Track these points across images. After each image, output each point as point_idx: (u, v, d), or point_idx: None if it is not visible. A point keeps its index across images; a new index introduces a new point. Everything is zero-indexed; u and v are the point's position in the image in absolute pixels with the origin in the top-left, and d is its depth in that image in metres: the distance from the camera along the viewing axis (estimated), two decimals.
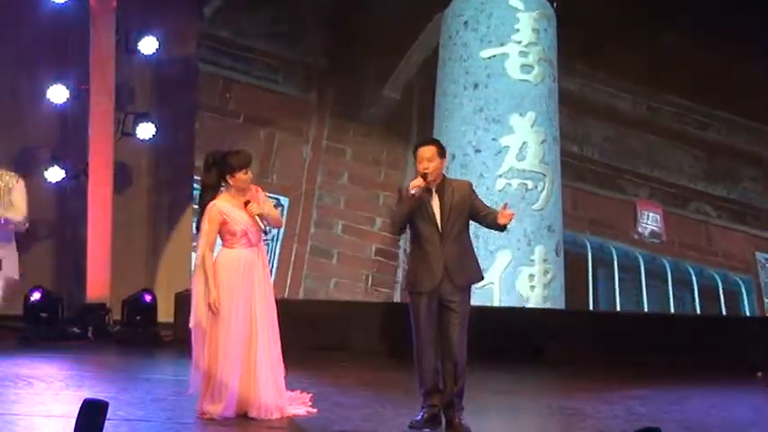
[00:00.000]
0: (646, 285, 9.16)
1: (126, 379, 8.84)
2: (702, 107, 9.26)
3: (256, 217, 7.17)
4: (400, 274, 9.16)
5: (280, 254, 9.48)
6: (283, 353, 7.39)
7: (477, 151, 9.34)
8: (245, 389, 7.24)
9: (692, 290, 9.03)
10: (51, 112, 11.31)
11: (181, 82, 11.20)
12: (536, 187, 9.23)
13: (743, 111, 9.15)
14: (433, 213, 6.91)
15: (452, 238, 6.93)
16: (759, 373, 9.41)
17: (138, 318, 11.01)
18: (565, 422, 7.58)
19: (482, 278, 7.04)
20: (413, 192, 6.80)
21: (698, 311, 9.04)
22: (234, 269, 7.20)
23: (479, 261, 7.02)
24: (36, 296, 10.99)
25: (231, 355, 7.18)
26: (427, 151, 6.89)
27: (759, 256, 9.07)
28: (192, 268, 7.81)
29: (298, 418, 7.34)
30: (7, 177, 8.82)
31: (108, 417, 5.70)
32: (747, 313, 9.18)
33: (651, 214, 9.25)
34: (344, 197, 9.60)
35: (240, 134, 9.67)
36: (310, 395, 7.76)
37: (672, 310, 9.01)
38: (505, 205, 6.82)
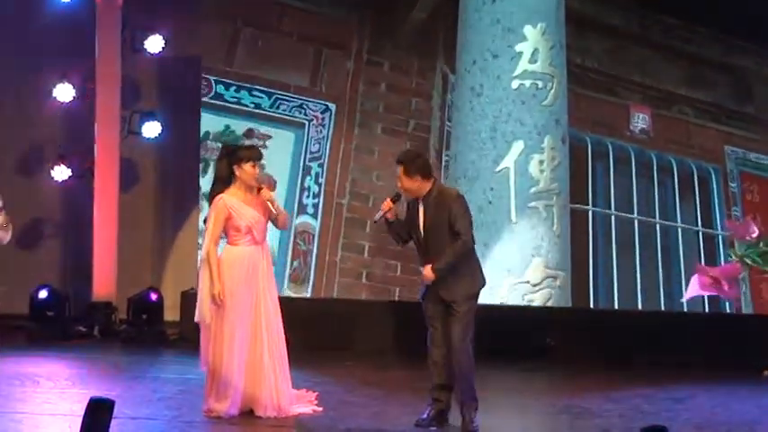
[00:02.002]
0: (635, 173, 10.44)
1: (132, 377, 8.86)
2: (686, 24, 10.61)
3: (269, 203, 7.16)
4: None
5: (330, 152, 10.58)
6: (288, 351, 7.41)
7: (495, 57, 10.33)
8: (251, 387, 7.24)
9: (673, 176, 10.36)
10: (57, 110, 11.33)
11: (186, 80, 11.20)
12: (545, 86, 10.29)
13: (719, 27, 10.46)
14: (419, 227, 6.91)
15: (435, 252, 6.86)
16: (765, 372, 9.40)
17: (143, 316, 11.03)
18: (571, 421, 7.58)
19: (473, 291, 6.92)
20: (375, 219, 6.93)
21: (677, 195, 10.30)
22: (238, 266, 7.20)
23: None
24: (43, 294, 11.01)
25: (236, 353, 7.18)
26: (398, 170, 6.91)
27: (727, 148, 10.46)
28: (198, 264, 7.85)
29: (303, 417, 7.34)
30: None
31: (114, 415, 5.71)
32: (715, 195, 10.42)
33: (641, 115, 10.52)
34: (382, 103, 10.74)
35: (294, 51, 10.72)
36: (316, 394, 7.77)
37: (656, 193, 10.29)
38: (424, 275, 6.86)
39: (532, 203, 10.19)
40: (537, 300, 10.20)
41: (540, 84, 10.24)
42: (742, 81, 10.36)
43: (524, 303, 10.16)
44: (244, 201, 7.19)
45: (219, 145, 10.27)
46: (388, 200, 6.90)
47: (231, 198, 7.17)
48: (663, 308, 10.14)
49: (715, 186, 10.35)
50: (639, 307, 10.19)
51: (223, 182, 7.22)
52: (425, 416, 7.07)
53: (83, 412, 5.61)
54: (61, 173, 11.19)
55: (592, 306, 10.31)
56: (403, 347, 10.07)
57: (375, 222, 7.00)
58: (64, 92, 11.13)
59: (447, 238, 6.82)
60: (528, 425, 7.42)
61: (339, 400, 7.91)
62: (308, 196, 10.43)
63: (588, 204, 10.35)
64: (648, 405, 8.07)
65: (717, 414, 7.85)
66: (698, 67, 10.47)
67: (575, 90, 10.35)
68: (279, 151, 10.45)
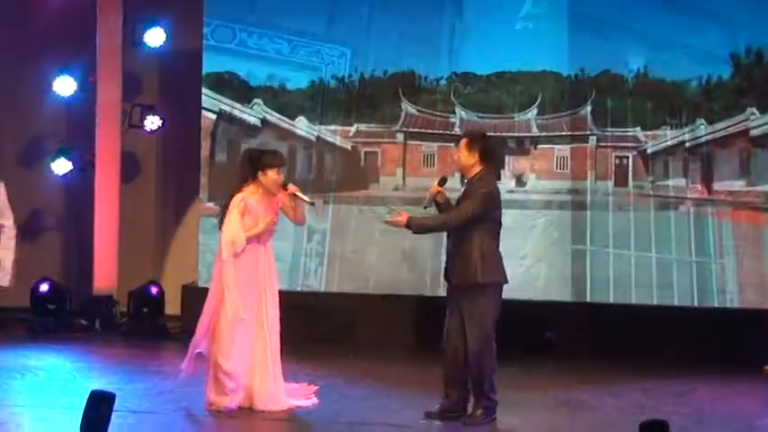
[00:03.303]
0: (630, 113, 10.89)
1: (133, 371, 8.86)
2: None
3: (297, 193, 7.38)
4: None
5: (345, 94, 11.12)
6: (288, 344, 7.45)
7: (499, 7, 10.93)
8: (252, 380, 7.27)
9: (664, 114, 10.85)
10: (58, 103, 11.33)
11: (187, 74, 11.20)
12: (548, 28, 10.84)
13: None
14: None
15: (452, 234, 7.08)
16: (766, 367, 9.40)
17: (144, 310, 11.03)
18: (571, 414, 7.59)
19: (478, 281, 6.96)
20: (425, 205, 7.17)
21: (667, 128, 10.74)
22: (241, 266, 7.28)
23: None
24: (44, 288, 11.02)
25: (240, 349, 7.22)
26: (460, 143, 7.19)
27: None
28: (209, 261, 7.97)
29: (304, 410, 7.36)
30: None
31: (115, 408, 5.73)
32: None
33: (637, 58, 10.79)
34: (394, 48, 11.07)
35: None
36: (316, 387, 7.78)
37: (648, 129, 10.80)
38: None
39: (534, 134, 10.85)
40: (539, 226, 10.64)
41: (543, 25, 10.80)
42: (729, 28, 10.71)
43: (528, 227, 10.57)
44: (259, 202, 7.35)
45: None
46: (435, 184, 7.13)
47: (250, 198, 7.33)
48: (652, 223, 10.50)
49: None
50: (631, 228, 10.50)
51: (242, 182, 7.41)
52: (436, 408, 7.11)
53: (84, 405, 5.63)
54: (62, 166, 11.19)
55: (589, 240, 10.51)
56: (405, 341, 10.07)
57: (425, 208, 7.16)
58: (65, 85, 11.12)
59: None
60: (528, 419, 7.42)
61: (340, 393, 7.92)
62: (326, 133, 11.13)
63: (588, 143, 10.82)
64: (648, 399, 8.08)
65: (717, 409, 7.86)
66: (690, 15, 10.82)
67: (575, 34, 10.88)
68: (299, 93, 11.09)
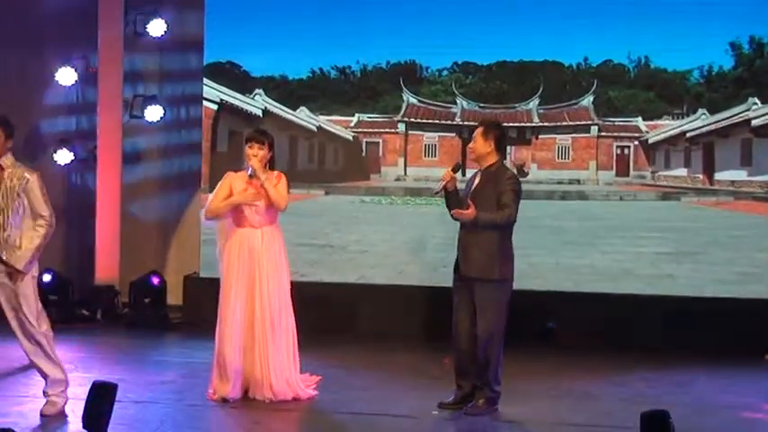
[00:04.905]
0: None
1: (135, 361, 8.87)
2: None
3: (251, 168, 7.33)
4: None
5: None
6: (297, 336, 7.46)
7: None
8: (251, 370, 7.28)
9: None
10: (60, 94, 11.32)
11: (188, 64, 11.19)
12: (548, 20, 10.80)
13: None
14: (468, 195, 7.06)
15: (469, 227, 6.98)
16: (767, 356, 9.41)
17: (146, 300, 11.02)
18: (573, 404, 7.60)
19: (496, 277, 7.00)
20: (436, 190, 7.10)
21: None
22: (236, 250, 7.36)
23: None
24: (46, 278, 11.01)
25: (231, 337, 7.24)
26: (475, 133, 7.14)
27: None
28: (211, 251, 8.01)
29: (305, 400, 7.37)
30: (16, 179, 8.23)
31: (117, 398, 5.74)
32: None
33: (638, 46, 10.89)
34: (394, 36, 11.05)
35: None
36: (317, 378, 7.79)
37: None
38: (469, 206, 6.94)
39: (536, 124, 10.93)
40: (540, 216, 10.67)
41: (545, 15, 10.63)
42: (731, 17, 10.81)
43: (530, 217, 10.63)
44: (247, 182, 7.41)
45: None
46: (449, 170, 7.07)
47: (237, 177, 7.43)
48: None
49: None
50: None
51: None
52: (449, 399, 7.13)
53: (86, 395, 5.64)
54: (64, 156, 11.18)
55: (590, 230, 10.56)
56: (407, 331, 10.07)
57: (435, 194, 7.14)
58: (67, 75, 11.11)
59: (490, 208, 6.94)
60: (529, 408, 7.43)
61: (342, 384, 7.93)
62: (327, 123, 11.28)
63: (589, 133, 10.95)
64: (650, 389, 8.09)
65: (719, 398, 7.86)
66: (691, 4, 10.94)
67: (576, 24, 10.78)
68: (300, 83, 11.22)
